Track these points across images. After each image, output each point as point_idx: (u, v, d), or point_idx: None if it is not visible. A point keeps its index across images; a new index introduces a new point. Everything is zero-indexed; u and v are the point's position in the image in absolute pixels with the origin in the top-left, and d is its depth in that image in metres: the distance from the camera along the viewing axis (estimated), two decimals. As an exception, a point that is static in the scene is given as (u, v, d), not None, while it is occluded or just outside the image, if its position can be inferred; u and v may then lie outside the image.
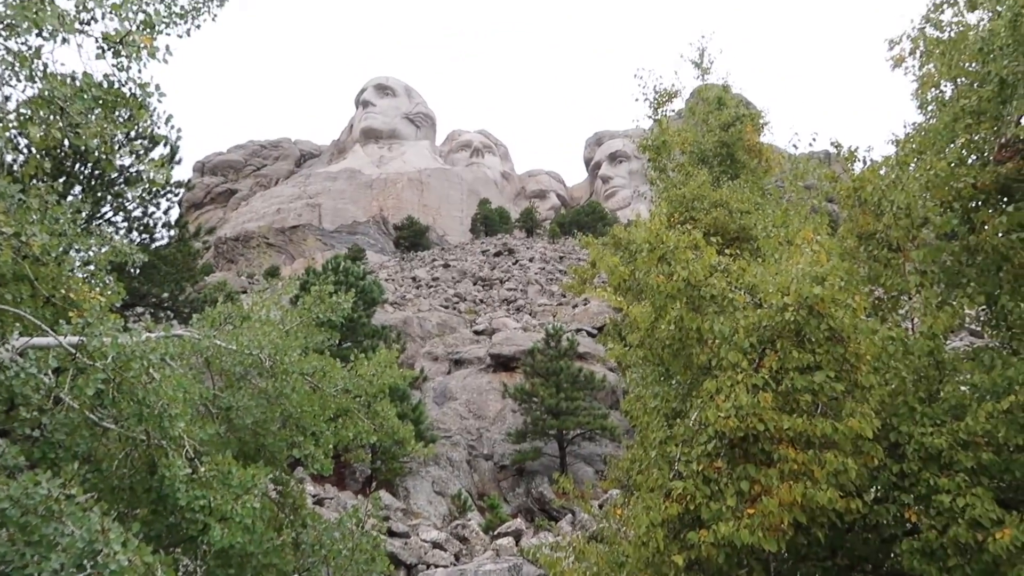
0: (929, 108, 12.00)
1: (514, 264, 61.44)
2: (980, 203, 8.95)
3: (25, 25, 6.68)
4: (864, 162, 10.71)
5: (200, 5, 9.60)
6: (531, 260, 62.25)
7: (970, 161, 9.69)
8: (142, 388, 7.53)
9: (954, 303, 8.34)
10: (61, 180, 19.64)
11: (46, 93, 7.14)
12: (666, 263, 7.89)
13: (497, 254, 65.52)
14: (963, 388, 8.01)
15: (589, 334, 40.68)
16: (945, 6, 11.70)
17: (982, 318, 9.55)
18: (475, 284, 56.06)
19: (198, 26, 9.72)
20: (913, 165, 10.17)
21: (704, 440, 6.74)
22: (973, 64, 10.48)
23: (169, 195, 24.66)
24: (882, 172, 10.35)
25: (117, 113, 7.88)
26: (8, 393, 7.40)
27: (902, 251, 9.06)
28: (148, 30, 7.88)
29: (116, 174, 22.06)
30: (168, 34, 8.50)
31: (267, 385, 10.25)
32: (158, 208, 24.16)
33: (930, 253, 8.61)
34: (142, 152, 21.99)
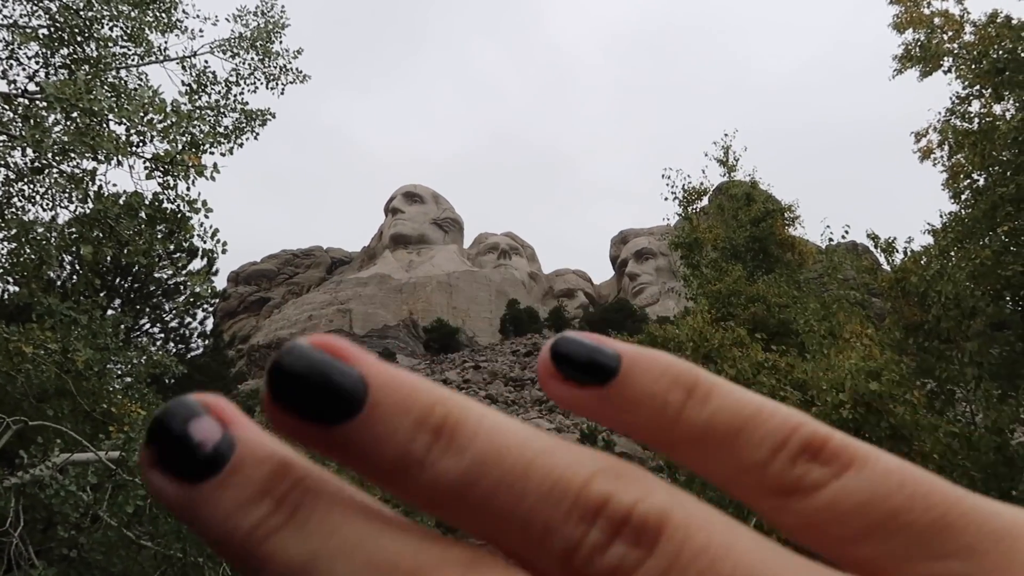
0: (963, 197, 11.98)
1: (544, 364, 61.12)
2: (1031, 291, 8.75)
3: (81, 150, 6.99)
4: (905, 252, 10.62)
5: (243, 125, 10.07)
6: (561, 359, 61.91)
7: (1014, 248, 9.54)
8: (180, 504, 7.39)
9: (1016, 395, 8.01)
10: (102, 294, 20.14)
11: (97, 213, 7.39)
12: (711, 361, 7.71)
13: (527, 354, 65.29)
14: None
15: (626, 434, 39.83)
16: (971, 98, 11.87)
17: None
18: (506, 385, 55.62)
19: (240, 145, 10.16)
20: (955, 254, 10.05)
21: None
22: (1006, 153, 10.47)
23: (205, 305, 25.17)
24: (923, 262, 10.23)
25: (161, 228, 8.12)
26: (47, 511, 7.30)
27: (954, 342, 8.80)
28: (194, 150, 8.22)
29: (154, 287, 22.63)
30: (212, 152, 8.87)
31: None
32: (194, 318, 24.65)
33: (985, 344, 8.35)
34: (181, 265, 22.62)
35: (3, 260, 8.45)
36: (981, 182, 11.57)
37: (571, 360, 0.28)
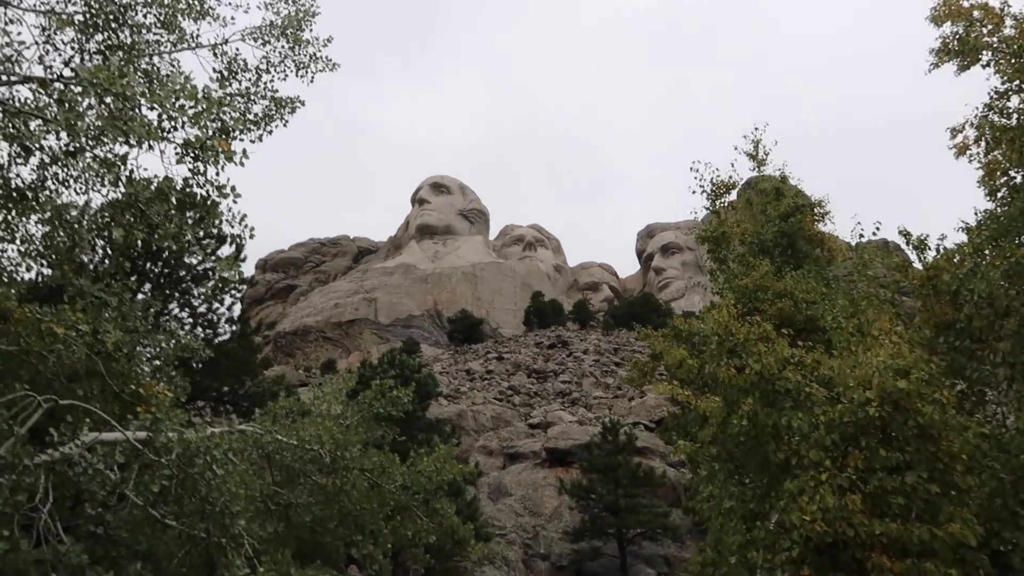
0: (999, 195, 11.71)
1: (568, 356, 60.91)
2: (1068, 291, 8.52)
3: (114, 135, 7.08)
4: (937, 250, 10.40)
5: (272, 113, 10.14)
6: (585, 352, 61.67)
7: (1051, 247, 9.31)
8: (205, 484, 7.49)
9: (1049, 397, 7.83)
10: (133, 278, 20.45)
11: (129, 197, 7.50)
12: (736, 356, 7.64)
13: (551, 346, 65.17)
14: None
15: (647, 428, 39.60)
16: (1011, 93, 11.58)
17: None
18: (529, 377, 55.60)
19: (270, 132, 10.23)
20: (989, 252, 9.83)
21: (788, 545, 6.29)
22: (1045, 149, 10.21)
23: (233, 292, 25.45)
24: (956, 260, 10.02)
25: (190, 214, 8.21)
26: (75, 489, 7.44)
27: (986, 342, 8.61)
28: (224, 136, 8.29)
29: (184, 272, 22.92)
30: (242, 139, 8.94)
31: (327, 481, 10.13)
32: (222, 304, 24.91)
33: (1018, 344, 8.16)
34: (210, 251, 22.89)
35: (37, 243, 8.62)
36: (1019, 179, 11.31)
37: None
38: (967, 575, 6.32)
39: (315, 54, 10.43)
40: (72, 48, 8.69)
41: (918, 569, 6.01)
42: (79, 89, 7.24)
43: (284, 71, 10.26)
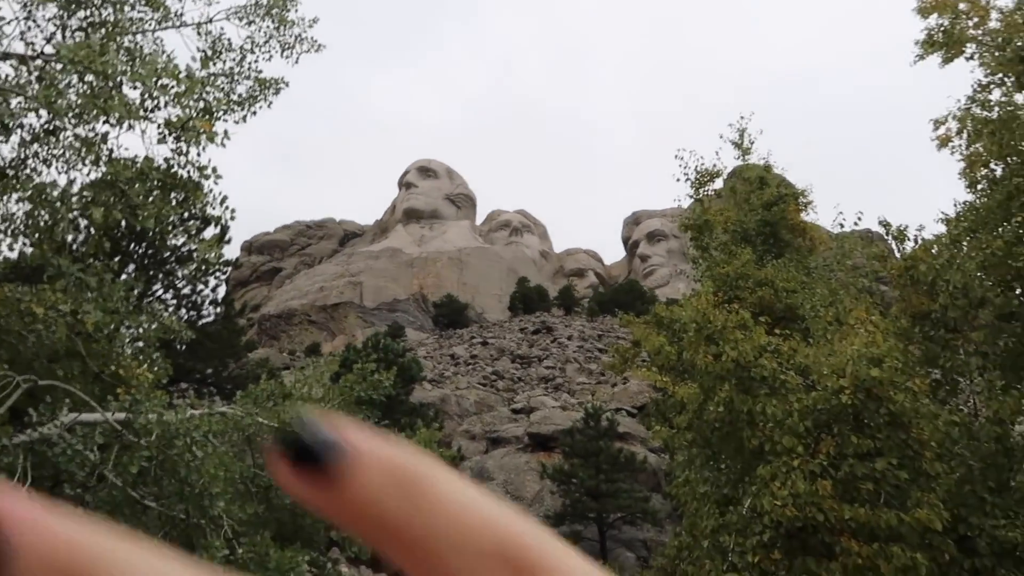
0: (979, 187, 11.84)
1: (552, 342, 61.14)
2: (1041, 283, 8.67)
3: (94, 113, 7.03)
4: (915, 241, 10.53)
5: (257, 94, 10.06)
6: (569, 338, 61.89)
7: (1026, 240, 9.45)
8: (184, 466, 7.52)
9: (1020, 386, 7.98)
10: (116, 259, 20.30)
11: (109, 176, 7.45)
12: (714, 343, 7.73)
13: (535, 332, 65.34)
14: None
15: (629, 414, 39.90)
16: (992, 86, 11.69)
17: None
18: (513, 362, 55.77)
19: (254, 113, 10.15)
20: (966, 244, 9.96)
21: (759, 529, 6.41)
22: (1024, 143, 10.33)
23: (217, 273, 25.33)
24: (934, 251, 10.15)
25: (173, 195, 8.17)
26: (54, 469, 7.44)
27: (960, 332, 8.76)
28: (207, 116, 8.24)
29: (168, 253, 22.78)
30: (225, 120, 8.88)
31: (308, 464, 10.16)
32: (206, 286, 24.81)
33: (991, 334, 8.31)
34: (194, 232, 22.75)
35: (18, 222, 8.54)
36: (998, 172, 11.44)
37: (298, 448, 0.26)
38: (932, 559, 6.47)
39: (300, 35, 10.34)
40: (55, 25, 8.58)
41: (885, 553, 6.15)
42: (60, 67, 7.17)
43: (269, 51, 10.17)
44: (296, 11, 10.35)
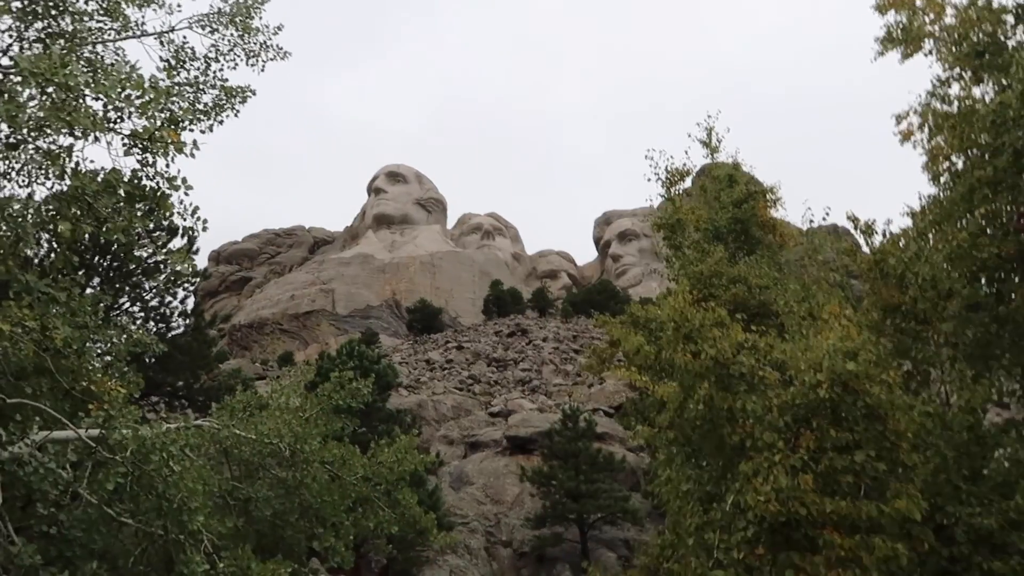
0: (942, 180, 12.07)
1: (528, 344, 61.18)
2: (1006, 273, 8.86)
3: (58, 126, 6.87)
4: (884, 235, 10.71)
5: (223, 103, 9.92)
6: (544, 340, 61.99)
7: (990, 231, 9.65)
8: (162, 481, 7.38)
9: (989, 375, 8.15)
10: (81, 272, 19.91)
11: (76, 190, 7.29)
12: (692, 341, 7.79)
13: (510, 335, 65.33)
14: (1006, 463, 7.72)
15: (606, 414, 40.05)
16: (951, 80, 11.92)
17: (1008, 389, 9.31)
18: (489, 365, 55.71)
19: (220, 122, 10.01)
20: (932, 236, 10.14)
21: (743, 525, 6.47)
22: (984, 136, 10.54)
23: (186, 285, 24.95)
24: (901, 244, 10.32)
25: (140, 206, 8.01)
26: (26, 489, 7.25)
27: (930, 324, 8.93)
28: (173, 126, 8.10)
29: (134, 265, 22.38)
30: (191, 130, 8.74)
31: (287, 475, 10.04)
32: (175, 297, 24.41)
33: (960, 325, 8.48)
34: (161, 244, 22.37)
35: (-21, 238, 8.32)
36: (960, 165, 11.66)
37: None
38: (913, 549, 6.58)
39: (265, 42, 10.21)
40: (10, 36, 8.38)
41: (867, 544, 6.24)
42: (19, 79, 7.00)
43: (234, 60, 10.03)
44: (260, 19, 10.23)
